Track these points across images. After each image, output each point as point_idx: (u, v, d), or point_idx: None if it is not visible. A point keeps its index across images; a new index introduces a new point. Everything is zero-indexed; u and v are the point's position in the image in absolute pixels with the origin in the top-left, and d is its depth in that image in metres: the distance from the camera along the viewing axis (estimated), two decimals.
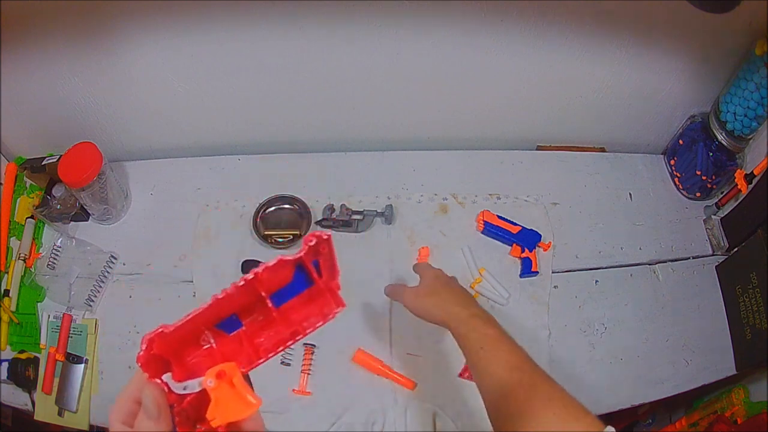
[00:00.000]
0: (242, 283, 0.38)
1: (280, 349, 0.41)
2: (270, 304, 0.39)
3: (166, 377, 0.38)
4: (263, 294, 0.39)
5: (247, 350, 0.40)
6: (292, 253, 0.38)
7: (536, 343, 0.99)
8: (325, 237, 0.38)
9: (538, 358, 0.97)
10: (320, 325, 0.41)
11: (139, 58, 0.98)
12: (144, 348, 0.37)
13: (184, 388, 0.38)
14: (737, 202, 1.07)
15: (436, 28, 0.96)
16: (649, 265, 1.09)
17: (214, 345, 0.40)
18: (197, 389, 0.38)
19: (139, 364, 0.38)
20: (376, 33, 0.96)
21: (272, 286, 0.39)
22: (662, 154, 1.23)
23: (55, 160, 1.02)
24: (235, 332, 0.41)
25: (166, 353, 0.38)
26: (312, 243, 0.38)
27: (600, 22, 0.96)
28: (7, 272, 1.01)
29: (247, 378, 0.39)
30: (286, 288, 0.40)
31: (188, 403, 0.39)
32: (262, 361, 0.40)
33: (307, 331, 0.41)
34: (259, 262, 0.41)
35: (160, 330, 0.38)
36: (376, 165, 1.16)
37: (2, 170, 1.09)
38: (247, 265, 1.01)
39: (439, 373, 0.95)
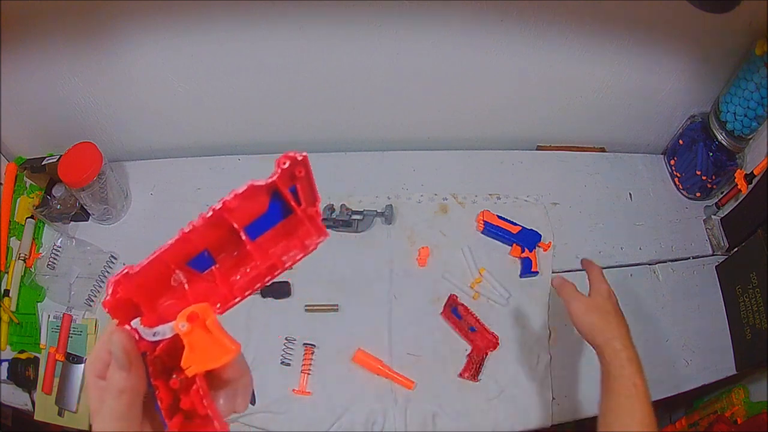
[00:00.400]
0: (210, 213, 0.34)
1: (257, 286, 0.36)
2: (244, 237, 0.35)
3: (135, 323, 0.35)
4: (236, 226, 0.35)
5: (221, 289, 0.36)
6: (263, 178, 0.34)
7: (536, 343, 0.99)
8: (300, 157, 0.33)
9: (538, 358, 0.98)
10: (300, 258, 0.36)
11: (139, 58, 0.98)
12: (110, 292, 0.34)
13: (154, 334, 0.34)
14: (737, 202, 1.07)
15: (436, 28, 0.96)
16: (649, 265, 1.09)
17: (186, 285, 0.36)
18: (169, 335, 0.34)
19: (106, 310, 0.34)
20: (376, 33, 0.96)
21: (245, 217, 0.35)
22: (662, 154, 1.23)
23: (55, 160, 1.02)
24: (207, 270, 0.37)
25: (136, 297, 0.34)
26: (285, 165, 0.33)
27: (600, 22, 0.96)
28: (7, 272, 1.01)
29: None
30: (261, 219, 0.35)
31: (161, 350, 0.35)
32: (238, 300, 0.36)
33: (287, 264, 0.36)
34: None
35: (125, 271, 0.34)
36: (376, 165, 1.16)
37: (2, 170, 1.09)
38: None
39: (439, 373, 0.95)
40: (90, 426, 0.94)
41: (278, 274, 0.36)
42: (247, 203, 0.34)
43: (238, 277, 0.36)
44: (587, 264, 0.85)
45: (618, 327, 0.75)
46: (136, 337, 0.35)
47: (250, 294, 0.36)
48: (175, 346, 0.35)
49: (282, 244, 0.36)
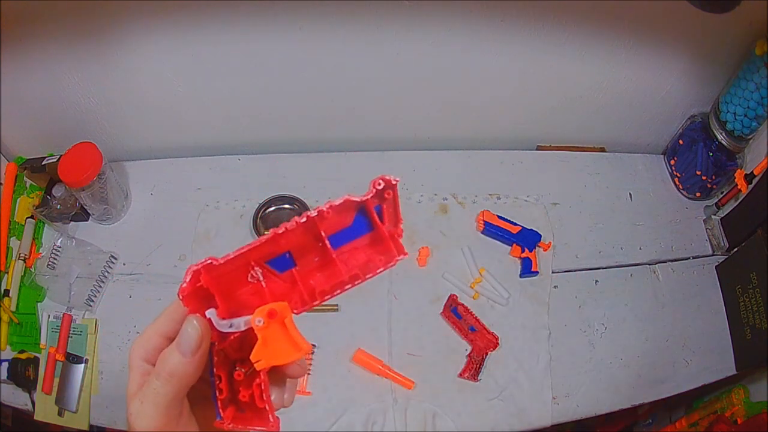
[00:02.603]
0: (305, 219, 0.35)
1: (337, 292, 0.38)
2: (328, 245, 0.37)
3: (210, 313, 0.35)
4: (322, 233, 0.36)
5: (300, 291, 0.38)
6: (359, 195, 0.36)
7: (536, 343, 0.99)
8: (394, 182, 0.36)
9: (538, 358, 0.98)
10: (381, 271, 0.38)
11: (140, 58, 0.98)
12: (188, 280, 0.34)
13: (230, 326, 0.35)
14: (737, 202, 1.07)
15: (436, 28, 0.96)
16: (649, 265, 1.09)
17: (263, 283, 0.37)
18: (243, 328, 0.35)
19: (181, 297, 0.35)
20: (376, 33, 0.96)
21: (332, 227, 0.37)
22: (662, 154, 1.23)
23: (55, 160, 1.02)
24: (287, 271, 0.38)
25: (213, 287, 0.35)
26: (380, 186, 0.36)
27: (600, 22, 0.96)
28: (7, 272, 1.01)
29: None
30: (345, 231, 0.38)
31: (229, 343, 0.36)
32: (317, 303, 0.38)
33: (368, 276, 0.38)
34: None
35: (208, 261, 0.35)
36: (376, 165, 1.16)
37: (2, 170, 1.09)
38: None
39: (439, 373, 0.95)
40: (90, 426, 0.94)
41: (358, 284, 0.38)
42: (337, 215, 0.36)
43: (318, 281, 0.38)
44: None
45: None
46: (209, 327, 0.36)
47: (329, 299, 0.38)
48: (244, 339, 0.36)
49: (362, 257, 0.38)
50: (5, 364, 0.95)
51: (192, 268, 0.35)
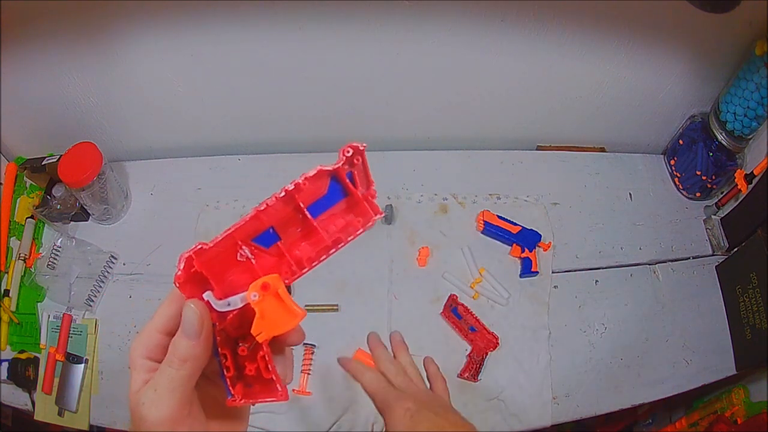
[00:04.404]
0: (283, 193, 0.37)
1: (323, 257, 0.40)
2: (308, 215, 0.39)
3: (208, 295, 0.37)
4: (301, 205, 0.38)
5: (288, 262, 0.39)
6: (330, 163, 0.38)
7: (536, 343, 0.99)
8: (362, 147, 0.38)
9: (538, 358, 0.98)
10: (361, 232, 0.40)
11: (140, 57, 0.98)
12: (182, 267, 0.36)
13: (228, 305, 0.37)
14: (737, 202, 1.07)
15: (435, 28, 0.96)
16: (649, 265, 1.09)
17: (252, 260, 0.39)
18: (240, 305, 0.37)
19: (177, 285, 0.36)
20: (376, 33, 0.96)
21: (309, 198, 0.39)
22: (662, 154, 1.23)
23: (55, 160, 1.02)
24: (272, 246, 0.40)
25: (207, 271, 0.37)
26: (349, 153, 0.38)
27: (600, 22, 0.96)
28: (7, 272, 1.01)
29: (289, 289, 0.38)
30: (321, 200, 0.40)
31: (229, 321, 0.38)
32: (306, 270, 0.40)
33: (349, 238, 0.40)
34: None
35: (198, 247, 0.36)
36: (376, 165, 1.13)
37: (2, 170, 1.09)
38: None
39: None
40: (90, 426, 0.94)
41: (341, 247, 0.40)
42: (313, 185, 0.38)
43: (304, 250, 0.40)
44: (427, 363, 0.76)
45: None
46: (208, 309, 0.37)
47: (316, 265, 0.40)
48: (242, 316, 0.37)
49: (341, 221, 0.41)
50: (5, 364, 0.95)
51: (184, 255, 0.36)
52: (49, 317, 0.98)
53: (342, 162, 0.38)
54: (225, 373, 0.38)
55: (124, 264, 1.04)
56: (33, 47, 0.94)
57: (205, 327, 0.36)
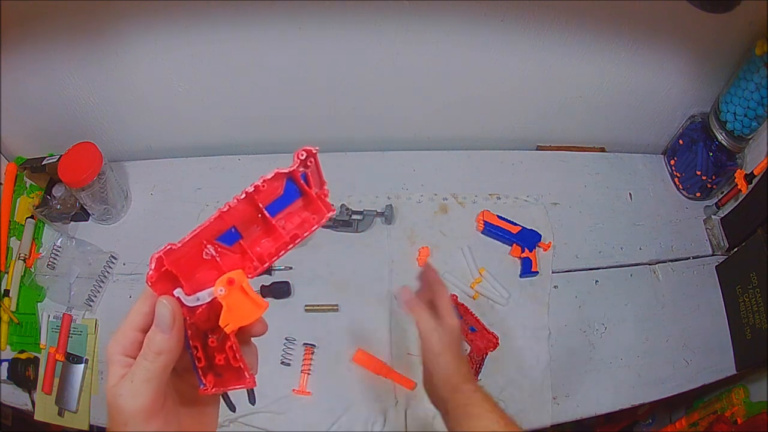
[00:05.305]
0: (243, 195, 0.40)
1: (282, 253, 0.43)
2: (267, 214, 0.42)
3: (178, 292, 0.40)
4: (260, 205, 0.42)
5: (250, 258, 0.42)
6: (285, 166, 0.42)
7: (536, 343, 0.99)
8: (314, 151, 0.42)
9: (538, 358, 0.98)
10: (315, 228, 0.44)
11: (140, 57, 0.98)
12: (153, 266, 0.38)
13: (197, 300, 0.40)
14: (737, 202, 1.07)
15: (435, 27, 0.96)
16: (649, 265, 1.09)
17: (217, 258, 0.42)
18: (208, 299, 0.40)
19: (149, 284, 0.39)
20: (376, 33, 0.96)
21: (267, 198, 0.42)
22: (662, 154, 1.23)
23: (55, 160, 1.02)
24: (235, 243, 0.43)
25: (176, 270, 0.40)
26: (303, 157, 0.42)
27: (600, 22, 0.96)
28: (7, 272, 1.01)
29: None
30: (278, 200, 0.43)
31: (198, 315, 0.41)
32: (267, 265, 0.43)
33: (305, 234, 0.43)
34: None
35: (167, 247, 0.39)
36: (376, 165, 1.16)
37: (2, 170, 1.09)
38: None
39: None
40: (90, 426, 0.94)
41: (298, 243, 0.43)
42: (270, 187, 0.41)
43: (264, 247, 0.43)
44: (437, 286, 0.73)
45: (466, 365, 0.69)
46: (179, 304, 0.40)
47: (276, 260, 0.43)
48: (210, 310, 0.41)
49: (297, 219, 0.44)
50: (5, 364, 0.95)
51: (155, 256, 0.39)
52: (49, 317, 0.98)
53: (297, 165, 0.41)
54: (197, 363, 0.41)
55: (124, 264, 1.04)
56: (33, 47, 0.94)
57: (176, 321, 0.39)
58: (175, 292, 0.40)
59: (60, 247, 1.03)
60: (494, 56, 1.02)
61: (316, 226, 0.44)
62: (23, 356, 0.96)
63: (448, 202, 1.11)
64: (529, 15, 0.94)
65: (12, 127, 1.08)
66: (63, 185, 1.04)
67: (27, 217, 1.06)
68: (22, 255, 1.03)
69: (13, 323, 0.98)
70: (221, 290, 0.39)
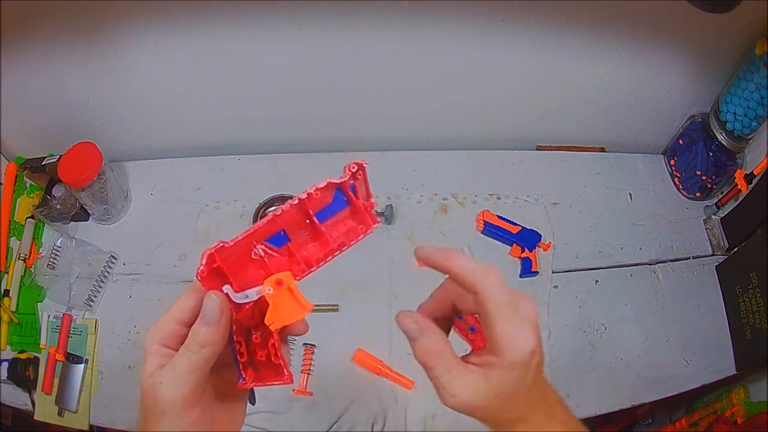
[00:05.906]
0: (297, 201, 0.42)
1: (329, 258, 0.46)
2: (316, 220, 0.44)
3: (227, 288, 0.41)
4: (310, 211, 0.43)
5: (297, 261, 0.44)
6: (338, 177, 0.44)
7: None
8: (366, 164, 0.44)
9: None
10: (362, 238, 0.46)
11: (140, 57, 0.98)
12: (204, 262, 0.40)
13: (245, 297, 0.41)
14: (737, 202, 1.07)
15: (435, 28, 0.96)
16: (649, 265, 1.09)
17: (265, 258, 0.43)
18: (255, 297, 0.41)
19: (199, 279, 0.40)
20: (376, 33, 0.96)
21: (317, 206, 0.44)
22: (662, 154, 1.23)
23: (55, 160, 1.02)
24: (283, 246, 0.44)
25: (226, 267, 0.41)
26: (354, 170, 0.43)
27: (600, 22, 0.96)
28: (7, 272, 1.01)
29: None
30: (327, 208, 0.45)
31: (244, 312, 0.42)
32: (314, 268, 0.45)
33: (352, 242, 0.46)
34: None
35: (219, 245, 0.40)
36: (376, 165, 1.14)
37: (2, 170, 1.09)
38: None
39: None
40: (90, 426, 0.94)
41: (345, 250, 0.46)
42: (321, 195, 0.43)
43: (311, 251, 0.45)
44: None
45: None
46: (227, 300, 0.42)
47: (323, 264, 0.45)
48: (255, 308, 0.42)
49: (344, 228, 0.46)
50: (5, 364, 0.95)
51: (206, 252, 0.40)
52: (49, 317, 0.98)
53: (348, 177, 0.43)
54: (239, 358, 0.43)
55: (124, 264, 1.04)
56: (33, 47, 0.94)
57: (224, 316, 0.40)
58: (224, 288, 0.41)
59: (60, 247, 1.03)
60: (494, 56, 1.02)
61: (362, 236, 0.46)
62: (23, 356, 0.96)
63: (448, 202, 1.11)
64: (529, 15, 0.94)
65: (12, 127, 1.08)
66: (63, 185, 1.04)
67: (27, 217, 1.06)
68: (22, 255, 1.03)
69: (13, 323, 0.98)
70: (269, 290, 0.41)
